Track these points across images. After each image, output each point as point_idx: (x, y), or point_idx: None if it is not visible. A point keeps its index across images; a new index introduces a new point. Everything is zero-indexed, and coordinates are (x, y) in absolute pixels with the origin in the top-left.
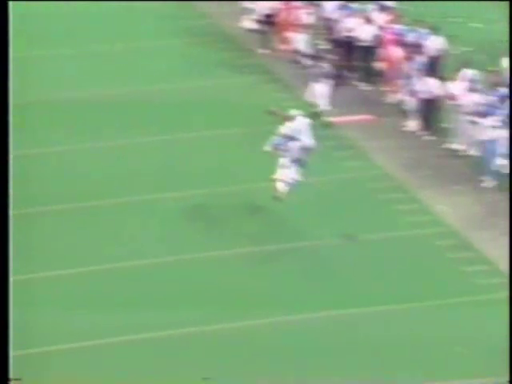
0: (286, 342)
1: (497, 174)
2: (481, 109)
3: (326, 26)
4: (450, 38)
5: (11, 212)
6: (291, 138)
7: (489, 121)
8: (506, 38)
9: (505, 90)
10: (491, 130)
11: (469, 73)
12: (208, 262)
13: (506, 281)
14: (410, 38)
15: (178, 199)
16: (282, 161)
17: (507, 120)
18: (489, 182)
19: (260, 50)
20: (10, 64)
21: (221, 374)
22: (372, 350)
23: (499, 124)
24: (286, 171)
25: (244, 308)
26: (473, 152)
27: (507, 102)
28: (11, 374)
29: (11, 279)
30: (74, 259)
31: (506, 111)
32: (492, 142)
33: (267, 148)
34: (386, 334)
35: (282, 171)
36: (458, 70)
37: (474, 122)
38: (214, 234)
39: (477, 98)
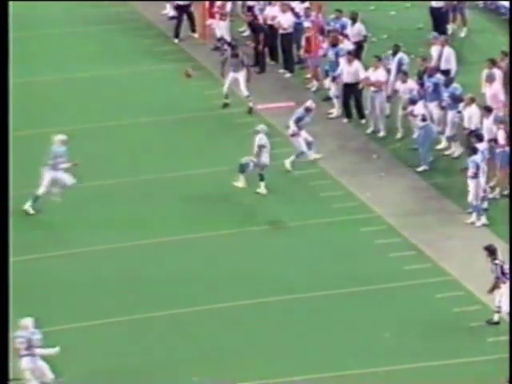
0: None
1: (428, 161)
2: (413, 96)
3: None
4: (366, 26)
5: None
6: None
7: (421, 108)
8: (422, 25)
9: (438, 77)
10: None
11: (398, 58)
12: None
13: (432, 265)
14: (332, 25)
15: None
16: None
17: (444, 104)
18: (421, 168)
19: (176, 40)
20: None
21: None
22: (300, 336)
23: (434, 110)
24: None
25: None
26: (398, 137)
27: (442, 89)
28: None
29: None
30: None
31: (441, 97)
32: (424, 128)
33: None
34: (315, 319)
35: None
36: (377, 57)
37: (406, 109)
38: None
39: (410, 85)
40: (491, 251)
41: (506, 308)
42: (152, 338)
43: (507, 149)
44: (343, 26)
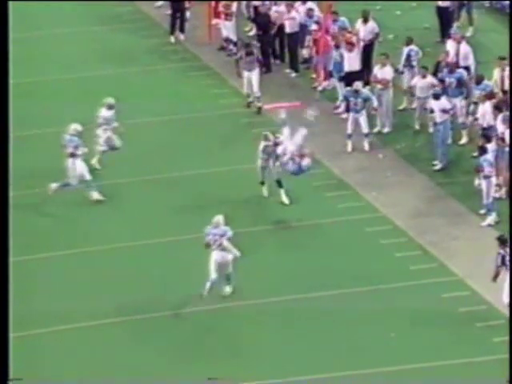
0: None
1: (445, 158)
2: (436, 91)
3: (254, 14)
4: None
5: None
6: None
7: (442, 103)
8: (428, 24)
9: (461, 71)
10: (442, 112)
11: (408, 49)
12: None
13: (438, 265)
14: (332, 28)
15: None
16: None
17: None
18: (438, 166)
19: (172, 39)
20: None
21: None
22: (304, 335)
23: (452, 106)
24: None
25: None
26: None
27: (471, 85)
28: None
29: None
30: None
31: (465, 92)
32: (443, 124)
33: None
34: (320, 319)
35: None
36: (383, 54)
37: (425, 108)
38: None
39: (430, 80)
40: (502, 241)
41: (506, 300)
42: (153, 337)
43: None
44: (345, 25)
